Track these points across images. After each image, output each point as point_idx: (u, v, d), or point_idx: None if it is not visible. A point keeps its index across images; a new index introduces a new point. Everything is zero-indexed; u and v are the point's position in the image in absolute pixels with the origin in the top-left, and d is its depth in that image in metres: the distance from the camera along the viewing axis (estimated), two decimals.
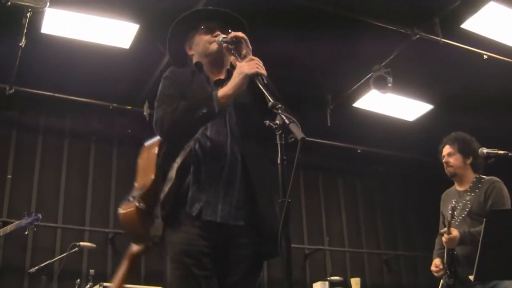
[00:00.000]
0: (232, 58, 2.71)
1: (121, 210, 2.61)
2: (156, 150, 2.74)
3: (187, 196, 2.50)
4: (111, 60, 6.86)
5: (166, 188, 2.50)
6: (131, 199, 2.61)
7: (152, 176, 2.65)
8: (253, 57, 2.56)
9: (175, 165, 2.51)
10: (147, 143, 2.85)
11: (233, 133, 2.63)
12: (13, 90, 7.19)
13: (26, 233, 6.03)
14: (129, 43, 6.63)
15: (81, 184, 7.92)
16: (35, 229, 6.02)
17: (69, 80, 7.35)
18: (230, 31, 2.80)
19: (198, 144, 2.56)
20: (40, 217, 5.93)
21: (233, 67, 2.70)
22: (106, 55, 6.81)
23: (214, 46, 2.77)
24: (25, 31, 5.87)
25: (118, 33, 6.49)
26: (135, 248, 2.71)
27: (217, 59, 2.81)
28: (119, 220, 2.63)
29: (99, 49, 6.70)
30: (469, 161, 4.62)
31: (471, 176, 4.62)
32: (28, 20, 5.72)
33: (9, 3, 5.11)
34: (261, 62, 2.55)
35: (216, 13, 2.92)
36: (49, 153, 7.97)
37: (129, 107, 7.71)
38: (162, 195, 2.51)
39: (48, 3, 5.26)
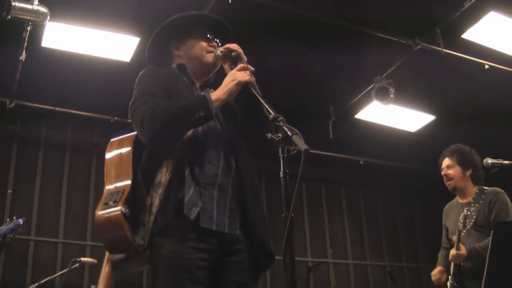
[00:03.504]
0: (225, 66, 2.67)
1: (101, 213, 2.37)
2: (129, 149, 2.58)
3: (181, 202, 2.38)
4: (112, 74, 6.85)
5: (155, 194, 2.37)
6: (111, 203, 2.39)
7: (129, 180, 2.48)
8: (244, 65, 2.55)
9: (164, 170, 2.40)
10: (115, 139, 2.68)
11: (225, 138, 2.58)
12: (13, 104, 7.18)
13: (6, 240, 5.75)
14: (129, 56, 6.63)
15: (83, 198, 7.88)
16: (12, 236, 5.75)
17: (70, 93, 7.34)
18: (217, 40, 2.78)
19: (190, 148, 2.47)
20: (21, 223, 5.69)
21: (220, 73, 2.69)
22: (107, 68, 6.80)
23: (210, 58, 2.73)
24: (25, 44, 5.86)
25: (119, 46, 6.49)
26: (114, 257, 2.51)
27: (209, 70, 2.77)
28: (97, 225, 2.38)
29: (99, 62, 6.69)
30: (468, 173, 4.59)
31: (472, 188, 4.59)
32: (29, 34, 5.71)
33: (10, 17, 5.10)
34: (251, 70, 2.54)
35: (215, 22, 2.88)
36: (50, 167, 7.95)
37: (130, 121, 7.65)
38: (149, 201, 2.37)
39: (48, 17, 5.24)
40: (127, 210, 2.36)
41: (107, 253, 2.55)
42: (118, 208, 2.36)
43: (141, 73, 2.69)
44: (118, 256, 2.47)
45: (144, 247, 2.35)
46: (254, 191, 2.58)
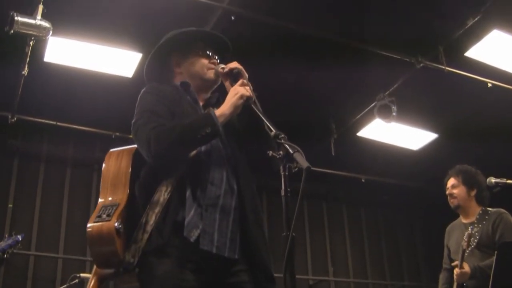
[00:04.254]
0: (226, 83, 2.66)
1: (93, 225, 2.31)
2: (128, 163, 2.53)
3: (180, 223, 2.33)
4: (114, 89, 6.85)
5: (151, 212, 2.32)
6: (104, 216, 2.33)
7: (125, 194, 2.42)
8: (245, 81, 2.54)
9: (163, 189, 2.36)
10: (114, 150, 2.63)
11: (228, 158, 2.55)
12: (15, 119, 7.17)
13: (5, 256, 5.71)
14: (132, 72, 6.63)
15: (83, 213, 7.84)
16: (10, 252, 5.71)
17: (72, 108, 7.34)
18: (216, 57, 2.77)
19: (193, 168, 2.43)
20: (20, 239, 5.66)
21: (217, 89, 2.69)
22: (109, 84, 6.80)
23: (211, 74, 2.72)
24: (27, 59, 5.86)
25: (121, 62, 6.49)
26: (102, 271, 2.46)
27: (210, 87, 2.77)
28: (88, 237, 2.32)
29: (102, 77, 6.69)
30: (473, 193, 4.58)
31: (476, 208, 4.57)
32: (31, 49, 5.71)
33: (12, 32, 5.10)
34: (251, 87, 2.52)
35: (217, 39, 2.87)
36: (51, 182, 7.93)
37: (133, 139, 7.63)
38: (144, 219, 2.31)
39: (51, 32, 5.24)
40: (120, 226, 2.31)
41: (95, 266, 2.51)
42: (111, 222, 2.30)
43: (143, 90, 2.66)
44: (107, 271, 2.42)
45: (134, 265, 2.29)
46: (256, 213, 2.54)
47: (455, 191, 4.63)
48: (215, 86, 2.78)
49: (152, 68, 2.85)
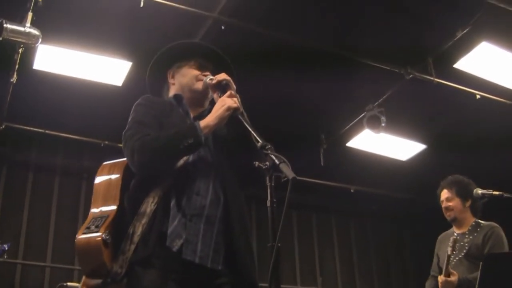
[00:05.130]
0: (215, 95, 2.67)
1: (81, 237, 2.36)
2: (119, 175, 2.56)
3: (164, 233, 2.35)
4: (103, 97, 6.84)
5: (138, 223, 2.34)
6: (93, 227, 2.37)
7: (115, 206, 2.46)
8: (233, 93, 2.55)
9: (150, 200, 2.38)
10: (107, 162, 2.67)
11: (215, 168, 2.56)
12: (3, 126, 7.15)
13: None
14: (121, 80, 6.62)
15: (71, 222, 7.82)
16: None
17: (61, 116, 7.31)
18: (216, 69, 2.78)
19: (179, 179, 2.45)
20: (7, 248, 5.64)
21: (213, 102, 2.68)
22: (99, 92, 6.79)
23: (199, 85, 2.73)
24: (16, 67, 5.85)
25: (111, 70, 6.48)
26: (91, 282, 2.46)
27: (200, 98, 2.77)
28: (77, 248, 2.37)
29: (91, 86, 6.67)
30: (468, 203, 4.56)
31: (470, 219, 4.56)
32: (20, 56, 5.71)
33: (1, 39, 5.08)
34: (239, 99, 2.54)
35: (208, 51, 2.90)
36: (39, 190, 7.91)
37: (121, 145, 7.63)
38: (132, 230, 2.34)
39: (40, 39, 5.23)
40: (107, 237, 2.34)
41: (84, 277, 2.52)
42: (99, 234, 2.34)
43: (137, 101, 2.70)
44: (95, 281, 2.43)
45: (121, 275, 2.31)
46: (242, 224, 2.54)
47: (450, 203, 4.59)
48: (206, 99, 2.79)
49: (151, 80, 2.91)
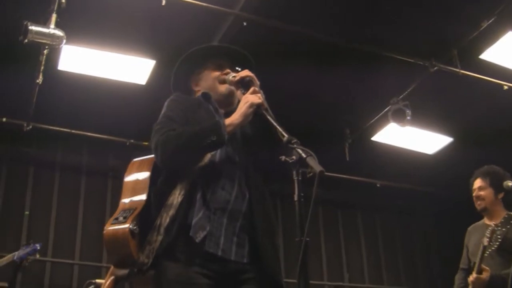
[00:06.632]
0: (238, 92, 2.69)
1: (109, 228, 2.43)
2: (148, 172, 2.63)
3: (189, 225, 2.36)
4: (127, 96, 6.88)
5: (165, 215, 2.38)
6: (121, 219, 2.44)
7: (144, 198, 2.52)
8: (256, 89, 2.55)
9: (177, 192, 2.41)
10: (137, 159, 2.74)
11: (241, 165, 2.57)
12: (30, 127, 7.22)
13: (23, 264, 5.72)
14: (145, 79, 6.65)
15: (98, 220, 7.85)
16: (29, 262, 5.77)
17: (86, 116, 7.37)
18: (238, 68, 2.78)
19: (205, 173, 2.47)
20: (38, 247, 5.71)
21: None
22: (123, 91, 6.83)
23: (223, 88, 2.74)
24: (42, 68, 5.89)
25: (135, 69, 6.51)
26: (118, 272, 2.55)
27: (227, 99, 2.76)
28: (105, 238, 2.43)
29: (115, 85, 6.72)
30: (501, 195, 4.44)
31: (501, 212, 4.44)
32: (45, 57, 5.74)
33: (26, 41, 5.13)
34: (263, 95, 2.55)
35: (224, 50, 2.92)
36: (66, 189, 7.98)
37: (146, 143, 7.67)
38: (159, 221, 2.38)
39: (64, 41, 5.27)
40: (135, 227, 2.40)
41: (112, 266, 2.61)
42: (126, 225, 2.39)
43: (170, 97, 2.74)
44: (122, 271, 2.49)
45: (148, 266, 2.35)
46: (267, 221, 2.55)
47: (482, 193, 4.48)
48: (234, 97, 2.77)
49: (176, 88, 2.92)
